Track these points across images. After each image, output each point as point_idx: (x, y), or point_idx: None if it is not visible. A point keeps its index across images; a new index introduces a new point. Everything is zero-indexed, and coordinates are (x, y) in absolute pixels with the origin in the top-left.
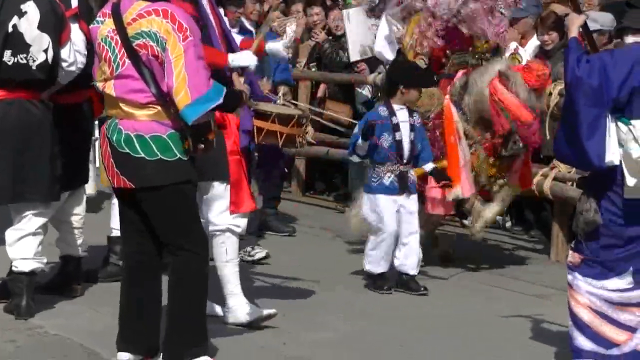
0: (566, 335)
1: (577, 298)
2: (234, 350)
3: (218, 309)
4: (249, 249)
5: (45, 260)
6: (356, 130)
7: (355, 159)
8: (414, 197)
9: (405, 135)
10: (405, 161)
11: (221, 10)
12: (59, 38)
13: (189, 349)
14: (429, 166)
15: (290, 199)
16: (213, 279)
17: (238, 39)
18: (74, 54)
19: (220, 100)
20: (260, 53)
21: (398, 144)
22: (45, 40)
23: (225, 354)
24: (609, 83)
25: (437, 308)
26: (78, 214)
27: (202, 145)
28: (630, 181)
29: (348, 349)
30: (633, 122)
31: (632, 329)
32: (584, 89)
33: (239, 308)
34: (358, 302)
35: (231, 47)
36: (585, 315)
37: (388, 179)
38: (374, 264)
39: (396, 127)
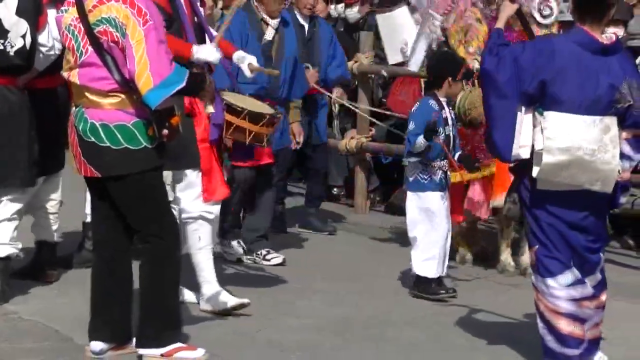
0: None
1: (542, 300)
2: (208, 336)
3: (192, 296)
4: (263, 252)
5: (20, 246)
6: (411, 128)
7: (412, 159)
8: (447, 193)
9: (451, 129)
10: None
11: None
12: (36, 23)
13: (161, 336)
14: (458, 154)
15: None
16: (187, 265)
17: (271, 32)
18: (52, 39)
19: (184, 84)
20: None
21: (448, 138)
22: (23, 25)
23: (199, 341)
24: (521, 75)
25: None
26: (53, 200)
27: (166, 131)
28: (534, 171)
29: (323, 334)
30: (545, 113)
31: (587, 321)
32: (492, 82)
33: (212, 295)
34: (334, 289)
35: (203, 36)
36: (553, 319)
37: (438, 175)
38: (429, 267)
39: (446, 121)
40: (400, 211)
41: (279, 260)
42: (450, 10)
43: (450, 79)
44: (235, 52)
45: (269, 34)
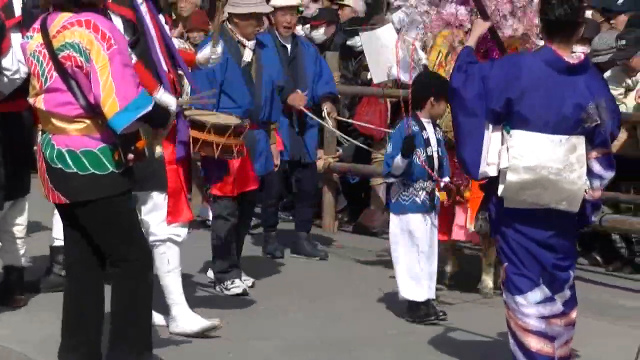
0: None
1: (512, 317)
2: (178, 359)
3: (161, 319)
4: (227, 283)
5: None
6: (389, 149)
7: (391, 180)
8: (436, 215)
9: (434, 150)
10: (434, 177)
11: (161, 18)
12: (0, 47)
13: (131, 358)
14: (445, 179)
15: None
16: (156, 288)
17: (249, 54)
18: (16, 63)
19: (150, 108)
20: (192, 65)
21: (430, 159)
22: None
23: None
24: (488, 93)
25: (384, 321)
26: (20, 224)
27: (132, 155)
28: (499, 189)
29: (294, 356)
30: (512, 132)
31: (555, 339)
32: (459, 99)
33: (182, 317)
34: (304, 310)
35: (173, 58)
36: (522, 336)
37: (420, 197)
38: (414, 290)
39: (427, 142)
40: (367, 232)
41: (238, 290)
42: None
43: (432, 99)
44: (197, 56)
45: (247, 56)
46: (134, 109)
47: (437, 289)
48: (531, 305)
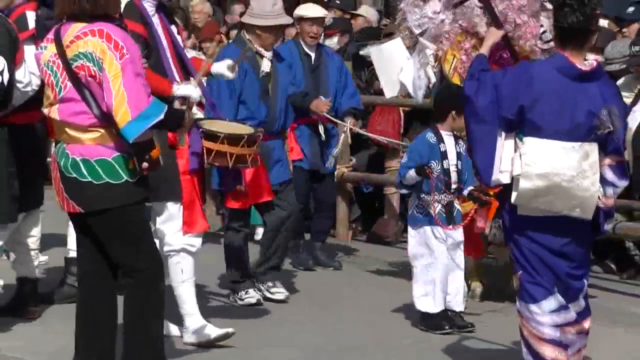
0: None
1: (526, 326)
2: None
3: (175, 329)
4: (269, 283)
5: (1, 282)
6: (404, 160)
7: (404, 191)
8: (460, 228)
9: (452, 163)
10: (452, 190)
11: (173, 28)
12: (13, 60)
13: None
14: (469, 188)
15: None
16: (170, 298)
17: (267, 64)
18: (29, 75)
19: (162, 117)
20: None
21: (446, 172)
22: (1, 62)
23: None
24: (501, 101)
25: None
26: (34, 236)
27: (147, 164)
28: (512, 196)
29: None
30: (524, 139)
31: (569, 347)
32: (471, 106)
33: (196, 328)
34: (317, 318)
35: (185, 68)
36: (536, 345)
37: (435, 210)
38: (430, 302)
39: (444, 155)
40: (381, 241)
41: (281, 296)
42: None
43: (454, 112)
44: (212, 66)
45: (266, 66)
46: (146, 118)
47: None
48: (545, 314)
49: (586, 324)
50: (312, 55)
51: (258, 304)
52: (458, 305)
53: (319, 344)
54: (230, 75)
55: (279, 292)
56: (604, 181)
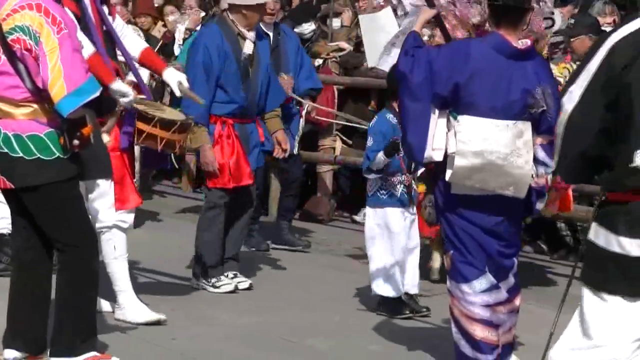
0: None
1: (456, 305)
2: (123, 346)
3: (108, 305)
4: (214, 280)
5: None
6: (369, 143)
7: (372, 176)
8: (415, 208)
9: None
10: (411, 170)
11: (105, 9)
12: None
13: (77, 345)
14: (421, 170)
15: (178, 194)
16: (102, 275)
17: (250, 46)
18: None
19: (97, 93)
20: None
21: None
22: None
23: (115, 350)
24: (435, 78)
25: (327, 309)
26: None
27: (77, 141)
28: (447, 174)
29: (239, 343)
30: (459, 117)
31: (501, 326)
32: (406, 83)
33: (128, 305)
34: (249, 297)
35: (112, 42)
36: (466, 324)
37: (398, 191)
38: (389, 286)
39: None
40: (314, 219)
41: (229, 287)
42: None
43: None
44: (165, 70)
45: (248, 48)
46: (82, 94)
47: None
48: (477, 294)
49: (517, 302)
50: (271, 34)
51: (233, 291)
52: (413, 287)
53: (251, 325)
54: (177, 91)
55: (243, 282)
56: (535, 160)
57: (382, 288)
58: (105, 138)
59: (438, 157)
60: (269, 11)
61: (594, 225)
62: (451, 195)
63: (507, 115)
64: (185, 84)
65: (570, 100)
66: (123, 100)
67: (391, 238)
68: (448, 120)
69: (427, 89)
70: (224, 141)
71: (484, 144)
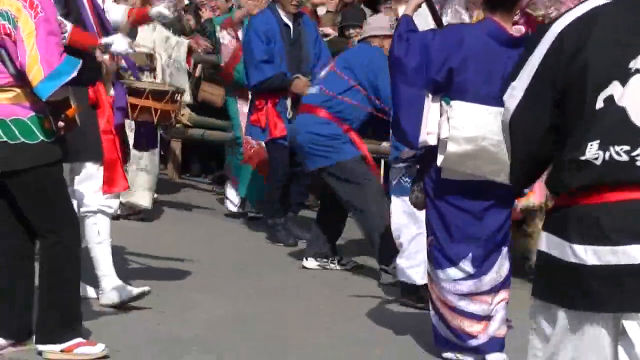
0: None
1: (434, 290)
2: (108, 331)
3: (92, 291)
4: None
5: None
6: None
7: (400, 165)
8: None
9: None
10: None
11: None
12: None
13: (61, 332)
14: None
15: (165, 180)
16: (86, 260)
17: None
18: None
19: (74, 73)
20: (143, 21)
21: None
22: None
23: (99, 336)
24: (429, 63)
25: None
26: None
27: (62, 123)
28: (439, 159)
29: (223, 329)
30: (452, 102)
31: (487, 318)
32: (401, 68)
33: (112, 289)
34: (233, 284)
35: (104, 26)
36: (441, 309)
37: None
38: (415, 274)
39: None
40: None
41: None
42: None
43: None
44: (150, 9)
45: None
46: (59, 76)
47: None
48: (450, 281)
49: (504, 294)
50: (291, 25)
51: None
52: (423, 278)
53: (236, 312)
54: (169, 14)
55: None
56: None
57: (410, 275)
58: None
59: (432, 141)
60: (294, 2)
61: (544, 234)
62: (441, 180)
63: (499, 102)
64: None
65: (513, 97)
66: (115, 49)
67: (416, 225)
68: (440, 105)
69: (421, 73)
70: None
71: (476, 130)
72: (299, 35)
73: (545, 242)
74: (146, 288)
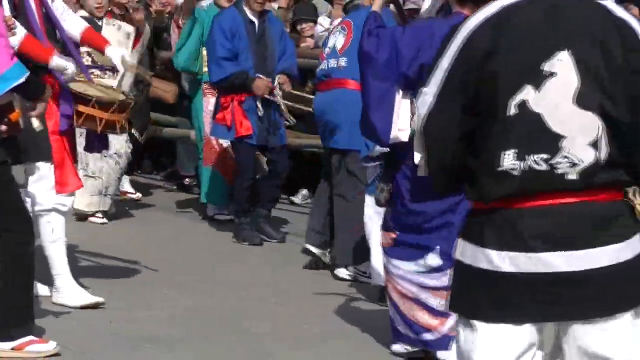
0: None
1: (391, 282)
2: (60, 329)
3: (46, 290)
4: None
5: None
6: None
7: (371, 164)
8: None
9: None
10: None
11: None
12: None
13: (14, 330)
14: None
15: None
16: (40, 259)
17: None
18: None
19: (23, 79)
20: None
21: None
22: None
23: (51, 334)
24: (400, 58)
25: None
26: None
27: (5, 127)
28: (416, 157)
29: (176, 326)
30: None
31: (445, 315)
32: (372, 63)
33: (66, 289)
34: (188, 280)
35: (53, 30)
36: (398, 301)
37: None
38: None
39: None
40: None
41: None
42: None
43: None
44: (107, 47)
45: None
46: (7, 80)
47: None
48: (411, 273)
49: None
50: (256, 22)
51: None
52: None
53: (189, 308)
54: (128, 60)
55: None
56: None
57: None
58: (35, 123)
59: (404, 137)
60: (258, 1)
61: (459, 241)
62: (417, 178)
63: None
64: (129, 59)
65: (424, 103)
66: (65, 75)
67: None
68: (412, 103)
69: (393, 69)
70: None
71: None
72: (264, 32)
73: (460, 249)
74: (100, 299)
